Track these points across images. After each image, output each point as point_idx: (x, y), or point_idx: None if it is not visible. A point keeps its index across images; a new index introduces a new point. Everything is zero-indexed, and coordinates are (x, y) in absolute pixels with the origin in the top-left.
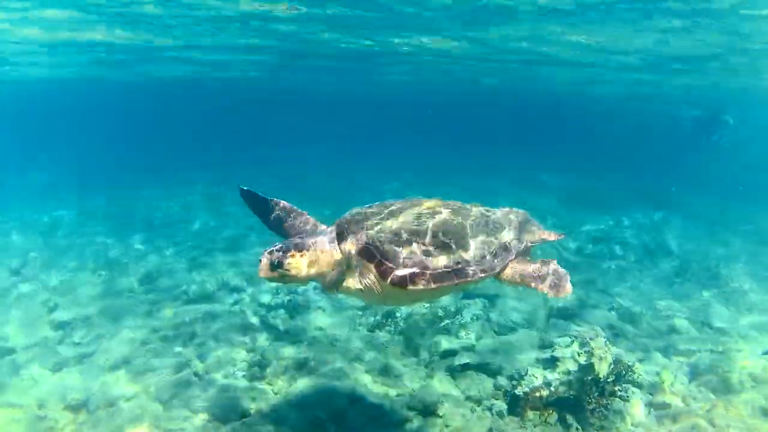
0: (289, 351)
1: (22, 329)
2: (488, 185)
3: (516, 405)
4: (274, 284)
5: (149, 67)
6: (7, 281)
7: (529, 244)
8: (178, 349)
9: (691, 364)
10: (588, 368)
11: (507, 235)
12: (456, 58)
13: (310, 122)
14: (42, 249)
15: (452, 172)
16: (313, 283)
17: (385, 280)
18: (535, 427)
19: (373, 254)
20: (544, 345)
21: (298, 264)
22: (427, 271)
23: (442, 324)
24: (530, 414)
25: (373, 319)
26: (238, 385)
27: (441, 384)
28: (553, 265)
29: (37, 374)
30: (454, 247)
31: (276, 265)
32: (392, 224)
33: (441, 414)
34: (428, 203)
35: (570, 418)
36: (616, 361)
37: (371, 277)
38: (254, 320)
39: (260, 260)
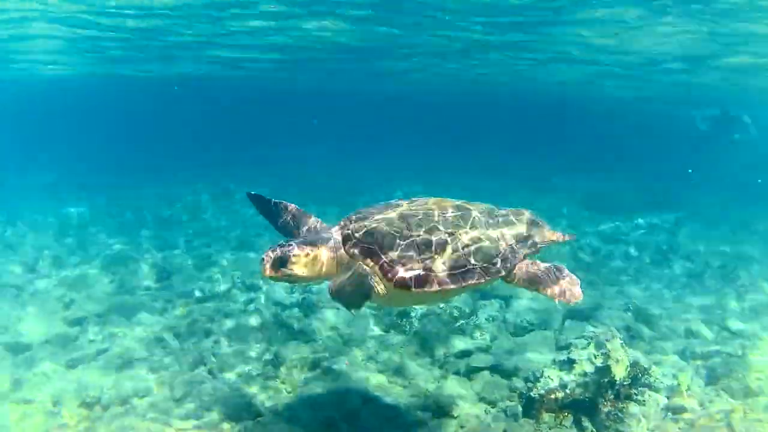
0: (302, 350)
1: (37, 325)
2: (498, 186)
3: (531, 407)
4: (283, 284)
5: (152, 65)
6: (22, 278)
7: (539, 246)
8: (191, 347)
9: (708, 367)
10: (604, 370)
11: (515, 237)
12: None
13: (315, 121)
14: (55, 246)
15: (462, 172)
16: (328, 282)
17: (389, 281)
18: (550, 429)
19: (376, 254)
20: (560, 346)
21: (301, 263)
22: (432, 273)
23: (457, 324)
24: (545, 416)
25: (387, 319)
26: (251, 384)
27: (455, 385)
28: (564, 270)
29: (52, 370)
30: (460, 247)
31: (279, 264)
32: (397, 225)
33: (455, 415)
34: (434, 203)
35: (585, 421)
36: (633, 364)
37: (375, 278)
38: (268, 319)
39: (263, 259)
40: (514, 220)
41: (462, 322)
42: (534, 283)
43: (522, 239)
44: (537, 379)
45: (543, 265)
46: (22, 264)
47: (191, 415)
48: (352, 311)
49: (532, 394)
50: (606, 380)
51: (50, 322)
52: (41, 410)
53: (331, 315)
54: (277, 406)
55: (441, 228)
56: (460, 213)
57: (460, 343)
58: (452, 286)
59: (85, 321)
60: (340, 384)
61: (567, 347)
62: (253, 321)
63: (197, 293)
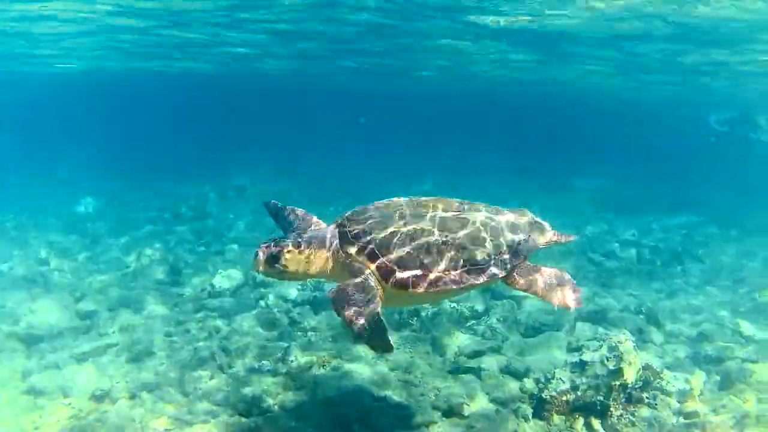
0: (313, 348)
1: (49, 318)
2: (517, 188)
3: (542, 408)
4: (275, 279)
5: (156, 62)
6: (34, 271)
7: (539, 247)
8: (202, 342)
9: (720, 371)
10: (616, 373)
11: (515, 237)
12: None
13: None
14: (67, 241)
15: (477, 173)
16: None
17: (387, 281)
18: (560, 431)
19: (374, 254)
20: (572, 348)
21: (294, 260)
22: (430, 274)
23: (469, 324)
24: (556, 418)
25: (398, 317)
26: (261, 380)
27: (466, 385)
28: (566, 275)
29: (63, 363)
30: (458, 248)
31: (272, 260)
32: (395, 224)
33: (466, 415)
34: (433, 203)
35: (596, 424)
36: (645, 367)
37: (372, 278)
38: (279, 315)
39: (256, 253)
40: (514, 220)
41: (474, 321)
42: (534, 286)
43: (522, 240)
44: (548, 381)
45: (544, 269)
46: (34, 257)
47: (201, 410)
48: (386, 353)
49: (543, 395)
50: (618, 383)
51: (61, 315)
52: (52, 402)
53: None
54: (288, 403)
55: (439, 228)
56: (459, 213)
57: (471, 343)
58: (450, 287)
59: (95, 314)
60: (351, 382)
61: (579, 349)
62: (264, 317)
63: (208, 289)
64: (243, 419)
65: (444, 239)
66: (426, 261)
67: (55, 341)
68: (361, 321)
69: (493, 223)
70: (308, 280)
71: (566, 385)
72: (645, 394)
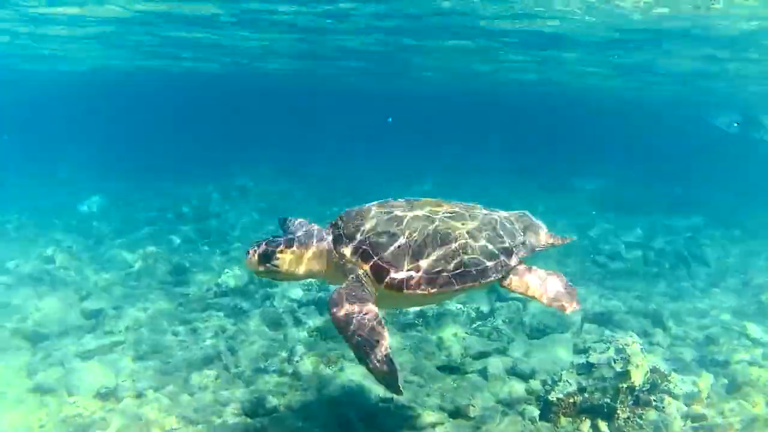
0: (319, 348)
1: (54, 317)
2: (518, 188)
3: (548, 410)
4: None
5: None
6: (40, 269)
7: (536, 249)
8: (208, 341)
9: (728, 375)
10: (623, 376)
11: (510, 239)
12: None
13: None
14: (72, 239)
15: (479, 173)
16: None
17: (380, 282)
18: None
19: (368, 255)
20: (578, 350)
21: (286, 260)
22: (425, 275)
23: (475, 325)
24: (563, 420)
25: (404, 318)
26: (267, 380)
27: (472, 386)
28: (562, 278)
29: (68, 361)
30: (454, 249)
31: (264, 259)
32: (390, 225)
33: (472, 416)
34: (429, 204)
35: (603, 426)
36: (652, 370)
37: (366, 279)
38: (285, 315)
39: (248, 252)
40: (510, 223)
41: (479, 323)
42: (529, 288)
43: (519, 242)
44: (555, 383)
45: (540, 271)
46: (39, 256)
47: (206, 410)
48: (398, 391)
49: (549, 397)
50: (625, 386)
51: (67, 314)
52: (57, 400)
53: None
54: (293, 403)
55: (435, 230)
56: (455, 215)
57: (478, 345)
58: (444, 289)
59: (101, 313)
60: (357, 383)
61: (585, 351)
62: (269, 317)
63: (213, 288)
64: (249, 419)
65: (438, 241)
66: (420, 262)
67: (61, 339)
68: (378, 363)
69: (489, 225)
70: (302, 280)
71: (573, 387)
72: (652, 397)
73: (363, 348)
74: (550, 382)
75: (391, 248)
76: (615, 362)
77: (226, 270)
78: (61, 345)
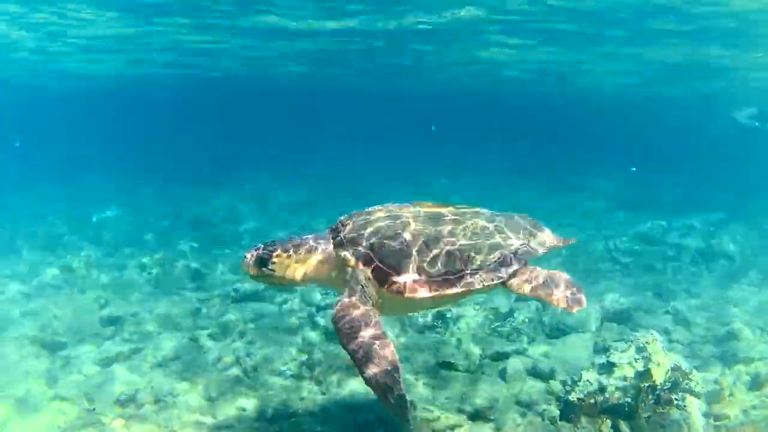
0: (338, 351)
1: (73, 324)
2: (528, 186)
3: (569, 411)
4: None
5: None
6: (59, 278)
7: (539, 251)
8: (226, 347)
9: (751, 372)
10: (644, 375)
11: (514, 242)
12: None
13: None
14: (91, 247)
15: (486, 173)
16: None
17: (382, 286)
18: None
19: (370, 259)
20: (598, 349)
21: (283, 264)
22: (427, 279)
23: (494, 326)
24: (584, 421)
25: (422, 320)
26: (286, 385)
27: (492, 387)
28: (565, 276)
29: (87, 369)
30: (457, 253)
31: (260, 263)
32: (392, 228)
33: (492, 418)
34: (432, 207)
35: (625, 426)
36: (674, 368)
37: (368, 284)
38: (304, 320)
39: (245, 256)
40: (514, 224)
41: (499, 323)
42: (535, 289)
43: (522, 245)
44: (575, 383)
45: (544, 272)
46: (58, 264)
47: (226, 415)
48: (405, 415)
49: (570, 397)
50: (646, 385)
51: (86, 321)
52: (76, 407)
53: None
54: (312, 407)
55: (437, 233)
56: (458, 218)
57: (497, 345)
58: (447, 292)
59: (120, 320)
60: None
61: (606, 350)
62: (288, 322)
63: (232, 294)
64: (268, 424)
65: (442, 244)
66: (423, 266)
67: (80, 347)
68: (390, 401)
69: (492, 229)
70: (301, 286)
71: (594, 387)
72: (674, 396)
73: (376, 382)
74: (570, 382)
75: (394, 252)
76: (636, 361)
77: (245, 276)
78: (80, 352)
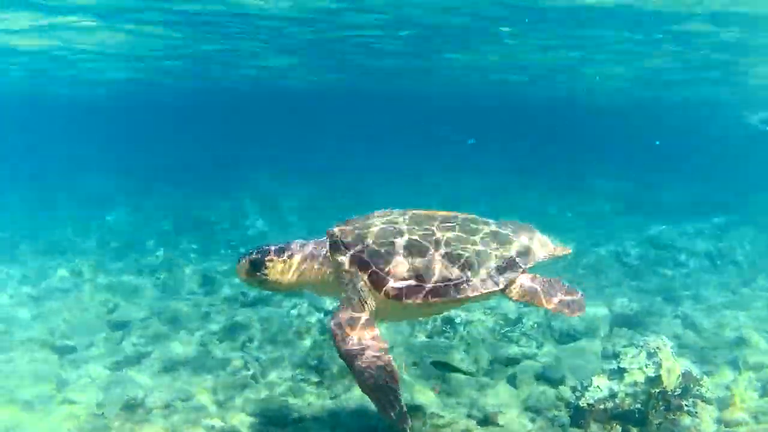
0: None
1: (82, 329)
2: (535, 187)
3: (579, 417)
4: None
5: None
6: (68, 282)
7: (538, 259)
8: (235, 351)
9: (762, 378)
10: (655, 380)
11: (513, 250)
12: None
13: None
14: (99, 251)
15: (492, 173)
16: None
17: (379, 291)
18: None
19: (366, 264)
20: (608, 354)
21: (277, 269)
22: (425, 285)
23: (503, 331)
24: (594, 427)
25: (431, 325)
26: (295, 389)
27: (501, 393)
28: (564, 284)
29: (96, 373)
30: (455, 259)
31: (253, 268)
32: (389, 234)
33: (501, 424)
34: (430, 214)
35: None
36: (684, 374)
37: (364, 289)
38: (312, 324)
39: (238, 260)
40: (512, 232)
41: (508, 329)
42: (534, 297)
43: (521, 253)
44: (585, 388)
45: (543, 279)
46: (67, 268)
47: (235, 420)
48: (404, 427)
49: (580, 403)
50: (657, 391)
51: (95, 326)
52: (85, 411)
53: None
54: (321, 412)
55: (435, 239)
56: (455, 225)
57: (506, 351)
58: (444, 299)
59: (128, 325)
60: None
61: (616, 356)
62: (297, 326)
63: (240, 298)
64: (276, 428)
65: (440, 251)
66: (420, 272)
67: (88, 351)
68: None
69: (490, 236)
70: (296, 291)
71: (604, 393)
72: (684, 402)
73: (375, 394)
74: (580, 388)
75: (390, 257)
76: (647, 367)
77: None
78: (89, 356)
